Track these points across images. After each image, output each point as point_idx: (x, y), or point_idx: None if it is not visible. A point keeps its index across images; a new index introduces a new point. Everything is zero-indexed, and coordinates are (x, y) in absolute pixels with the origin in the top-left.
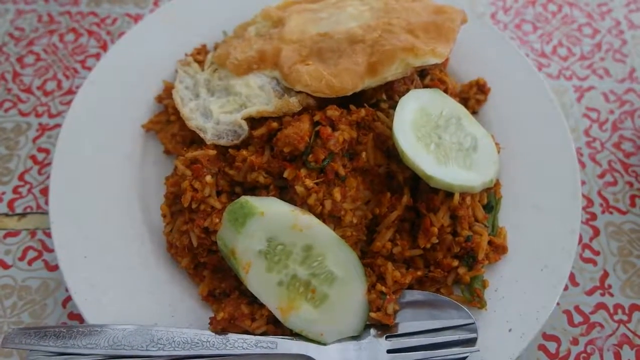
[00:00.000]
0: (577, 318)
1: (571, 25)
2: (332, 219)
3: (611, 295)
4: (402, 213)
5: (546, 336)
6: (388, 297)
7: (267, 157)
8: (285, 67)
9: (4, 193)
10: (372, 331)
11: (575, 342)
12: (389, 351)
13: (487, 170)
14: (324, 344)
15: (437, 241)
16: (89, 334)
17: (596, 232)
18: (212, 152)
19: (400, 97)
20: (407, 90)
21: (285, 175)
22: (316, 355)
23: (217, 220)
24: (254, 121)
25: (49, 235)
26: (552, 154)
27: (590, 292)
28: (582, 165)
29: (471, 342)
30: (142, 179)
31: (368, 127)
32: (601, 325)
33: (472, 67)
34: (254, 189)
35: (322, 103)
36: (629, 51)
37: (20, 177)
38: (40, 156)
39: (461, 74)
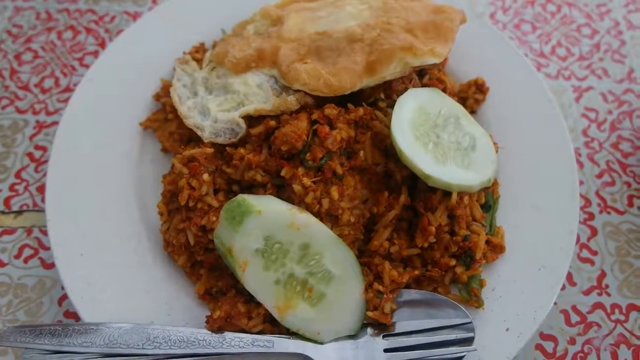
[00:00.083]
0: (575, 318)
1: (570, 25)
2: (329, 217)
3: (608, 295)
4: (399, 212)
5: (543, 336)
6: (385, 296)
7: (264, 156)
8: (283, 65)
9: (0, 190)
10: (369, 330)
11: (572, 341)
12: (386, 350)
13: (485, 170)
14: (321, 343)
15: (434, 240)
16: (84, 333)
17: (594, 232)
18: (210, 150)
19: (398, 96)
20: (406, 89)
21: (282, 173)
22: (313, 354)
23: (214, 218)
24: (251, 119)
25: (45, 233)
26: (550, 153)
27: (587, 292)
28: (580, 165)
29: (468, 341)
30: (139, 177)
31: (366, 126)
32: (598, 325)
33: (470, 67)
34: (251, 188)
35: (320, 102)
36: (628, 52)
37: (17, 175)
38: (37, 154)
39: (460, 74)
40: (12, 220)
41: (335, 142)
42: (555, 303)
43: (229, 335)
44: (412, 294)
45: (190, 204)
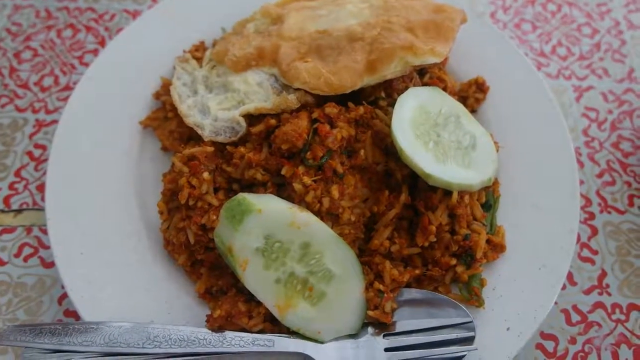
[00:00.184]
0: (575, 317)
1: (570, 25)
2: (330, 216)
3: (609, 294)
4: (400, 211)
5: (544, 335)
6: (386, 295)
7: (265, 154)
8: (283, 64)
9: (0, 189)
10: (370, 329)
11: (573, 341)
12: (386, 349)
13: (486, 169)
14: (322, 342)
15: (435, 239)
16: (84, 331)
17: (594, 231)
18: (210, 148)
19: (399, 95)
20: (406, 88)
21: (283, 172)
22: (313, 354)
23: (215, 217)
24: (252, 118)
25: (45, 232)
26: (550, 153)
27: (588, 292)
28: (581, 164)
29: (469, 340)
30: (139, 175)
31: (367, 125)
32: (599, 325)
33: (471, 66)
34: (251, 186)
35: (321, 100)
36: (628, 51)
37: (17, 174)
38: (37, 152)
39: (460, 73)
40: (12, 219)
41: (336, 141)
42: (555, 302)
43: (229, 334)
44: (413, 293)
45: (191, 202)
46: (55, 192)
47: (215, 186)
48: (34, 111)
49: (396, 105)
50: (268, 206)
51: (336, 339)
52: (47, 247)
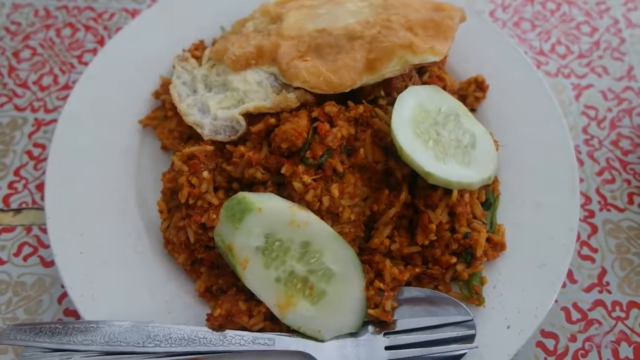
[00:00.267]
0: (575, 315)
1: (570, 23)
2: (330, 215)
3: (609, 292)
4: (400, 210)
5: (544, 333)
6: (386, 293)
7: (264, 153)
8: (283, 62)
9: None
10: (370, 328)
11: (573, 339)
12: (387, 348)
13: (486, 167)
14: (322, 341)
15: (435, 238)
16: (84, 331)
17: (594, 229)
18: (210, 147)
19: (398, 93)
20: (406, 87)
21: (283, 171)
22: (314, 352)
23: (215, 216)
24: (251, 117)
25: (44, 231)
26: (550, 151)
27: (588, 289)
28: (580, 162)
29: (469, 338)
30: (138, 174)
31: (366, 124)
32: (599, 322)
33: (470, 65)
34: (251, 185)
35: (320, 99)
36: (627, 49)
37: (16, 173)
38: (36, 151)
39: (460, 72)
40: (11, 218)
41: (336, 140)
42: (556, 300)
43: (229, 333)
44: (413, 291)
45: (190, 201)
46: (55, 191)
47: (215, 185)
48: (33, 110)
49: (396, 104)
50: (268, 205)
51: (336, 337)
52: (47, 247)
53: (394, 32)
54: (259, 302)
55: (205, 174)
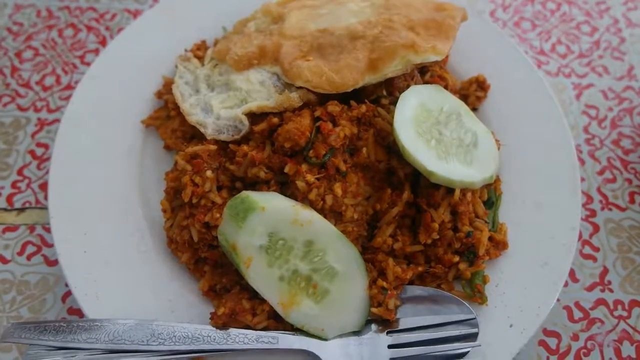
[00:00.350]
0: (577, 314)
1: (570, 23)
2: (333, 214)
3: (611, 291)
4: (402, 209)
5: (547, 332)
6: (389, 292)
7: (267, 153)
8: (285, 62)
9: (2, 188)
10: (373, 326)
11: (575, 337)
12: (390, 346)
13: (488, 167)
14: (325, 339)
15: (437, 237)
16: (89, 329)
17: (596, 228)
18: (213, 147)
19: (400, 93)
20: (408, 86)
21: (286, 170)
22: (317, 351)
23: (218, 215)
24: (254, 116)
25: (48, 230)
26: (551, 151)
27: (590, 288)
28: (582, 162)
29: (472, 337)
30: (141, 174)
31: (369, 123)
32: (601, 321)
33: (472, 65)
34: (254, 185)
35: (323, 99)
36: (627, 49)
37: (19, 172)
38: (39, 151)
39: (461, 71)
40: (15, 218)
41: (339, 139)
42: (558, 299)
43: (233, 331)
44: (416, 290)
45: (194, 200)
46: (58, 190)
47: (218, 184)
48: (36, 110)
49: (398, 104)
50: (271, 204)
51: (340, 336)
52: (50, 246)
53: (396, 32)
54: (263, 301)
55: (209, 173)
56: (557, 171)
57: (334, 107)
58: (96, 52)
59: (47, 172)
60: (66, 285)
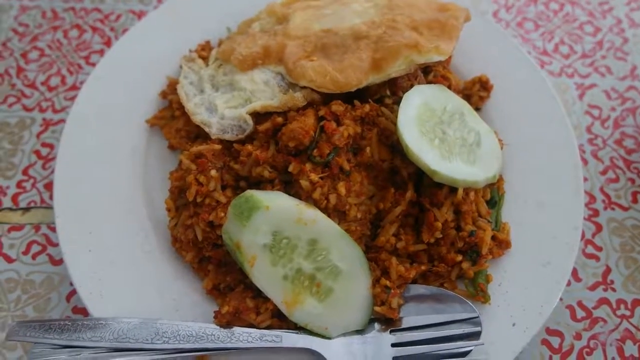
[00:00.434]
0: (580, 313)
1: (573, 23)
2: (336, 213)
3: (614, 290)
4: (406, 208)
5: (549, 331)
6: (392, 291)
7: (272, 152)
8: (289, 62)
9: (8, 187)
10: (377, 325)
11: (578, 337)
12: (393, 345)
13: (491, 166)
14: (329, 338)
15: (440, 236)
16: (93, 327)
17: (598, 228)
18: (217, 146)
19: (404, 92)
20: (411, 86)
21: (290, 169)
22: (321, 349)
23: (222, 214)
24: (258, 116)
25: (53, 229)
26: (554, 150)
27: (592, 288)
28: (584, 162)
29: (475, 335)
30: (146, 174)
31: (372, 123)
32: (604, 320)
33: (475, 65)
34: (258, 184)
35: (327, 98)
36: (630, 49)
37: (24, 172)
38: (44, 151)
39: (464, 71)
40: (20, 217)
41: (342, 138)
42: (561, 299)
43: (237, 330)
44: (419, 289)
45: (198, 199)
46: (64, 190)
47: (222, 184)
48: (41, 110)
49: (401, 103)
50: (275, 203)
51: (343, 334)
52: (55, 245)
53: (400, 32)
54: (267, 300)
55: (213, 172)
56: (560, 171)
57: (337, 107)
58: (101, 52)
59: (52, 172)
60: (71, 284)
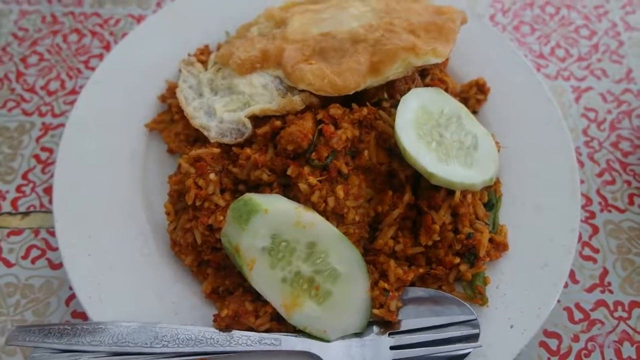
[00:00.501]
0: (578, 315)
1: (568, 27)
2: (335, 216)
3: (611, 292)
4: (403, 211)
5: (547, 333)
6: (391, 294)
7: (270, 155)
8: (288, 66)
9: (7, 192)
10: (375, 328)
11: (576, 338)
12: (392, 347)
13: (488, 169)
14: (328, 341)
15: (438, 239)
16: (93, 332)
17: (595, 230)
18: (216, 150)
19: (401, 96)
20: (409, 89)
21: (288, 172)
22: (319, 352)
23: (221, 217)
24: (257, 119)
25: (52, 234)
26: (551, 153)
27: (590, 290)
28: (581, 164)
29: (473, 338)
30: (145, 177)
31: (370, 126)
32: (601, 322)
33: (472, 68)
34: (257, 187)
35: (325, 102)
36: (626, 52)
37: (24, 176)
38: (44, 155)
39: (461, 75)
40: (19, 221)
41: (341, 142)
42: (558, 301)
43: (236, 333)
44: (417, 291)
45: (197, 203)
46: (63, 195)
47: (221, 187)
48: (41, 115)
49: (399, 106)
50: (274, 206)
51: (342, 337)
52: (55, 249)
53: (397, 35)
54: (266, 303)
55: (212, 176)
56: (556, 173)
57: (336, 110)
58: (100, 57)
59: (51, 176)
60: (70, 288)
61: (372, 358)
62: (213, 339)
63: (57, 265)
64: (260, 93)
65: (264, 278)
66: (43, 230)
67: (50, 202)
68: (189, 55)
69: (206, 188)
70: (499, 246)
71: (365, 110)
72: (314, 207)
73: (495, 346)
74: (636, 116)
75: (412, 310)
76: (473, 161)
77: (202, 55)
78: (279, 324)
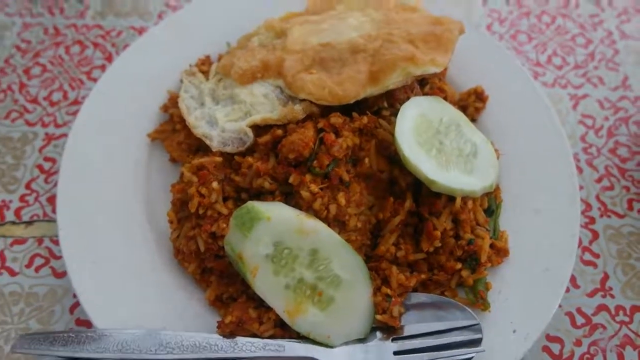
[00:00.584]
0: (580, 320)
1: (565, 35)
2: (337, 223)
3: (612, 297)
4: (405, 217)
5: (550, 337)
6: (393, 299)
7: (272, 164)
8: (289, 75)
9: (11, 201)
10: (378, 334)
11: (578, 343)
12: (395, 353)
13: (488, 175)
14: (331, 347)
15: (440, 245)
16: (97, 339)
17: (595, 235)
18: (219, 159)
19: (401, 104)
20: (408, 98)
21: (290, 180)
22: (323, 358)
23: (224, 225)
24: (258, 129)
25: (55, 242)
26: (550, 159)
27: (591, 294)
28: (580, 170)
29: (476, 342)
30: (148, 186)
31: (370, 134)
32: (603, 327)
33: (470, 76)
34: (259, 195)
35: (326, 111)
36: (622, 60)
37: (27, 186)
38: (47, 165)
39: (460, 83)
40: (23, 230)
41: (341, 150)
42: (560, 305)
43: (240, 340)
44: (420, 297)
45: (200, 211)
46: (66, 203)
47: (224, 195)
48: (44, 125)
49: (399, 115)
50: (276, 214)
51: (345, 343)
52: (58, 258)
53: (396, 45)
54: (269, 309)
55: (215, 184)
56: (555, 179)
57: (336, 119)
58: (102, 68)
59: (54, 186)
60: (74, 296)
61: None
62: (217, 345)
63: (60, 274)
64: (262, 102)
65: (268, 285)
66: (46, 238)
67: (54, 211)
68: (190, 65)
69: (209, 196)
70: (499, 252)
71: (365, 119)
72: (316, 214)
73: (498, 351)
74: (633, 123)
75: (415, 316)
76: (473, 168)
77: (204, 66)
78: (283, 330)
